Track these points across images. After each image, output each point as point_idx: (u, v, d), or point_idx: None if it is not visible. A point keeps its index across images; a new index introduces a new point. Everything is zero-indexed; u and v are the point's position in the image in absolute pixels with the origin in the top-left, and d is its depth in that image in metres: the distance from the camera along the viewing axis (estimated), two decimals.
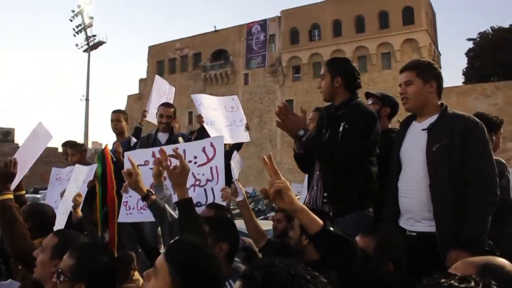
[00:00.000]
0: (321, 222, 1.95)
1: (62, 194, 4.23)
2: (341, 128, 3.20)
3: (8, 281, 2.95)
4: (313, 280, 1.14)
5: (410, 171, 2.99)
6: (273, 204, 17.95)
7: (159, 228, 3.54)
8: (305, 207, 2.00)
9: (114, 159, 4.49)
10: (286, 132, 3.28)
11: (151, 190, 2.76)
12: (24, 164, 3.27)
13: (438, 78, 3.03)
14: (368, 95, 4.04)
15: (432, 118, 2.95)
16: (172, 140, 5.04)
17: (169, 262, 1.67)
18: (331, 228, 1.96)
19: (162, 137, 5.20)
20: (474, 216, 2.66)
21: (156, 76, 6.75)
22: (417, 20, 45.86)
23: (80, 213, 3.94)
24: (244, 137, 5.28)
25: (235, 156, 3.50)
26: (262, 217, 13.94)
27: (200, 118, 5.00)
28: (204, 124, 4.91)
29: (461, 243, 2.48)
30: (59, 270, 2.10)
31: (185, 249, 1.74)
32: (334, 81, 3.32)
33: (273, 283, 1.12)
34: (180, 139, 4.96)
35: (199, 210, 3.00)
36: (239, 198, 3.10)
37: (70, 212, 3.93)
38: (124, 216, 3.38)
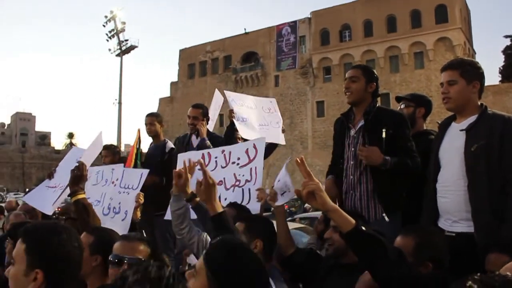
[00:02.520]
0: (353, 221, 2.01)
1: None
2: (383, 134, 3.28)
3: None
4: None
5: (448, 172, 2.95)
6: (304, 206, 17.89)
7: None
8: (337, 207, 2.06)
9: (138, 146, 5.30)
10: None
11: (195, 193, 2.80)
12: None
13: (481, 78, 2.98)
14: (398, 99, 4.01)
15: (471, 119, 2.90)
16: (199, 144, 5.01)
17: (206, 263, 1.65)
18: (363, 228, 2.02)
19: (195, 140, 5.17)
20: None
21: (216, 90, 6.67)
22: (451, 18, 44.93)
23: (138, 214, 4.04)
24: (280, 138, 5.21)
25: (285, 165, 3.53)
26: (289, 218, 13.89)
27: (231, 113, 4.91)
28: (234, 120, 4.85)
29: (500, 243, 2.42)
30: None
31: (224, 251, 1.70)
32: (368, 86, 3.45)
33: None
34: (207, 142, 4.88)
35: None
36: (278, 203, 3.09)
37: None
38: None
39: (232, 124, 4.94)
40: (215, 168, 3.47)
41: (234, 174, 3.44)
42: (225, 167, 3.44)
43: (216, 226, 2.50)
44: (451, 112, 3.08)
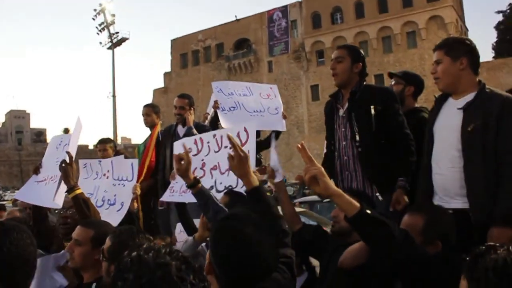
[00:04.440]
0: (358, 205, 1.99)
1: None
2: (372, 111, 3.27)
3: (61, 252, 3.20)
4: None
5: (443, 149, 2.93)
6: (303, 190, 17.92)
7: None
8: (341, 191, 2.03)
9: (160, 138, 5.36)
10: None
11: (197, 178, 2.77)
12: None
13: (470, 53, 2.92)
14: (390, 75, 4.03)
15: (469, 97, 2.86)
16: (185, 133, 5.04)
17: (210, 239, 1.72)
18: (368, 211, 1.99)
19: (181, 130, 5.22)
20: (507, 193, 2.61)
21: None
22: None
23: (136, 205, 4.04)
24: (279, 125, 5.14)
25: (273, 141, 3.56)
26: None
27: (215, 103, 4.93)
28: (218, 111, 4.86)
29: (503, 217, 2.43)
30: (102, 251, 2.35)
31: (219, 226, 1.76)
32: (354, 66, 3.42)
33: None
34: (194, 131, 4.92)
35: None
36: (277, 180, 3.08)
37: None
38: (167, 197, 3.68)
39: (217, 115, 4.98)
40: (208, 153, 3.48)
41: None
42: (218, 151, 3.43)
43: (252, 200, 2.33)
44: (445, 91, 3.05)
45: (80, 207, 3.09)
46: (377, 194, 3.26)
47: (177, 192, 3.54)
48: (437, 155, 2.98)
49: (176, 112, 5.21)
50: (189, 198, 3.29)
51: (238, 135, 3.47)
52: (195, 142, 3.46)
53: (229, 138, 2.44)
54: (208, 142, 3.49)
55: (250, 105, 5.01)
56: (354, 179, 3.38)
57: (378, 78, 43.15)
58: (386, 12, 47.47)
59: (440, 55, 2.94)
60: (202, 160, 3.39)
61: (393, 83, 3.88)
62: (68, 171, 3.19)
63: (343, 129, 3.44)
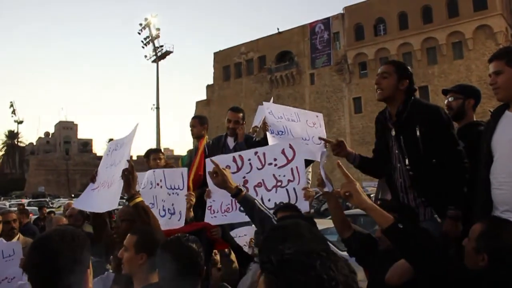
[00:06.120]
0: (391, 218, 2.18)
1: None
2: (418, 133, 3.18)
3: (105, 274, 3.32)
4: (328, 256, 1.09)
5: (504, 163, 2.83)
6: (347, 203, 17.70)
7: None
8: (374, 205, 2.24)
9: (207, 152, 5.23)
10: None
11: (240, 187, 2.85)
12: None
13: None
14: (445, 92, 3.91)
15: None
16: (236, 147, 5.10)
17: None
18: (400, 225, 2.16)
19: (230, 141, 5.29)
20: None
21: (259, 107, 6.63)
22: (490, 4, 43.57)
23: (192, 213, 4.12)
24: (318, 156, 4.97)
25: (324, 152, 3.55)
26: (330, 217, 13.76)
27: (265, 125, 4.82)
28: (267, 133, 4.82)
29: None
30: None
31: (267, 240, 1.83)
32: (400, 83, 3.32)
33: (288, 263, 1.08)
34: (245, 147, 4.93)
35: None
36: (326, 189, 3.08)
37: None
38: (210, 219, 3.60)
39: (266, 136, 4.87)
40: (250, 171, 3.48)
41: (274, 175, 3.42)
42: (261, 168, 3.43)
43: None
44: (503, 102, 2.96)
45: (140, 215, 3.14)
46: (436, 216, 3.17)
47: (218, 212, 3.53)
48: (496, 169, 2.87)
49: (231, 126, 5.28)
50: (233, 217, 3.39)
51: (283, 152, 3.48)
52: (234, 160, 3.46)
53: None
54: (250, 160, 3.48)
55: (297, 132, 4.86)
56: (409, 201, 3.30)
57: (423, 90, 42.35)
58: (430, 23, 46.66)
59: (501, 66, 2.86)
60: (244, 177, 3.39)
61: (451, 99, 3.78)
62: (130, 180, 3.22)
63: (396, 151, 3.35)
